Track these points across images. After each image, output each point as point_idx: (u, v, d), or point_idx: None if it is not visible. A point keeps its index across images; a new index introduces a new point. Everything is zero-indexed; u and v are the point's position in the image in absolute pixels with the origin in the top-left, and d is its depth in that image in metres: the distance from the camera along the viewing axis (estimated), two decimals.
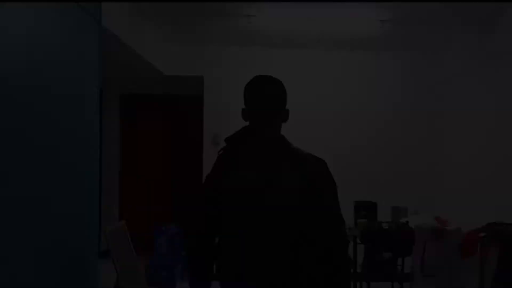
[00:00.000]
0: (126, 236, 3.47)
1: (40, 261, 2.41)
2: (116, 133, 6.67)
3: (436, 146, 5.72)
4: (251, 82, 1.83)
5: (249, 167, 1.74)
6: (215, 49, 5.65)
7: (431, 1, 3.93)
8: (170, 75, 5.67)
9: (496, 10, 4.17)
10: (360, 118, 5.70)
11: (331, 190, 1.77)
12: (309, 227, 1.71)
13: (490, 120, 4.52)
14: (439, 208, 5.51)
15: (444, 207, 5.47)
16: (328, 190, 1.76)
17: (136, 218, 6.53)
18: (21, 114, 2.25)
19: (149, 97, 6.66)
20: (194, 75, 5.68)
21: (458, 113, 5.27)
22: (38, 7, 2.43)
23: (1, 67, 2.07)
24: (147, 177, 6.71)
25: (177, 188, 6.64)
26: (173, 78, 5.88)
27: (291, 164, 1.73)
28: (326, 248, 1.72)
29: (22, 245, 2.27)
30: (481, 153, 4.66)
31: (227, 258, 1.78)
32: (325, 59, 5.68)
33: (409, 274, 4.38)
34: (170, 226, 5.41)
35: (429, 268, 4.01)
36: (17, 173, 2.20)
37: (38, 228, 2.40)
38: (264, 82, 1.83)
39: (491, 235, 3.48)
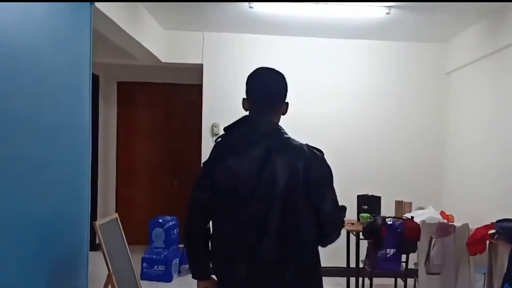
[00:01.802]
0: (119, 230, 3.32)
1: (30, 254, 2.30)
2: (113, 121, 6.50)
3: (441, 138, 5.54)
4: (253, 73, 1.89)
5: (244, 156, 1.79)
6: (215, 36, 5.45)
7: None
8: (168, 62, 5.48)
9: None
10: (364, 109, 5.51)
11: (327, 177, 1.83)
12: (302, 214, 1.77)
13: (497, 112, 4.35)
14: (444, 202, 5.37)
15: (449, 201, 5.32)
16: (324, 177, 1.82)
17: (133, 209, 6.41)
18: (6, 100, 2.11)
19: (147, 85, 6.47)
20: (193, 62, 5.48)
21: (464, 104, 5.09)
22: None
23: None
24: (144, 167, 6.55)
25: (175, 178, 6.49)
26: (172, 65, 5.69)
27: (286, 154, 1.78)
28: (321, 231, 1.83)
29: (13, 238, 2.16)
30: (488, 145, 4.49)
31: (219, 244, 1.85)
32: (329, 47, 5.48)
33: (413, 270, 4.25)
34: (166, 218, 5.26)
35: (435, 266, 3.86)
36: (3, 162, 2.07)
37: (27, 220, 2.28)
38: (266, 74, 1.90)
39: (501, 232, 3.32)
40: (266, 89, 1.87)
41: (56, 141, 2.63)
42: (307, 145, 1.85)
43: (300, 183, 1.75)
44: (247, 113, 1.92)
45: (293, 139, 1.85)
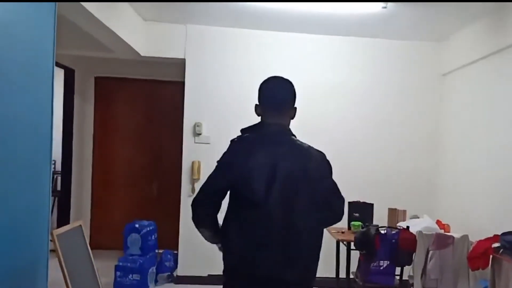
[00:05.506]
0: (82, 238, 2.95)
1: None
2: (90, 119, 6.11)
3: (437, 142, 5.25)
4: (265, 82, 2.12)
5: (259, 156, 1.96)
6: (199, 29, 5.10)
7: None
8: (148, 56, 5.11)
9: None
10: (355, 112, 5.20)
11: (329, 174, 2.12)
12: (310, 208, 1.98)
13: (495, 116, 4.07)
14: (438, 209, 5.08)
15: (443, 208, 5.03)
16: (327, 175, 2.10)
17: (109, 213, 6.05)
18: None
19: (126, 81, 6.10)
20: (175, 57, 5.12)
21: (461, 108, 4.81)
22: None
23: None
24: (122, 168, 6.16)
25: (154, 180, 6.14)
26: (152, 60, 5.33)
27: (296, 154, 2.01)
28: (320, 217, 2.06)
29: None
30: (485, 151, 4.21)
31: (234, 239, 1.96)
32: (320, 44, 5.17)
33: (407, 283, 3.96)
34: (143, 223, 4.89)
35: (431, 280, 3.57)
36: None
37: None
38: (277, 83, 2.13)
39: (508, 246, 3.02)
40: (277, 96, 2.09)
41: (10, 143, 2.29)
42: (312, 147, 2.07)
43: (309, 180, 1.97)
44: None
45: (301, 141, 2.07)
